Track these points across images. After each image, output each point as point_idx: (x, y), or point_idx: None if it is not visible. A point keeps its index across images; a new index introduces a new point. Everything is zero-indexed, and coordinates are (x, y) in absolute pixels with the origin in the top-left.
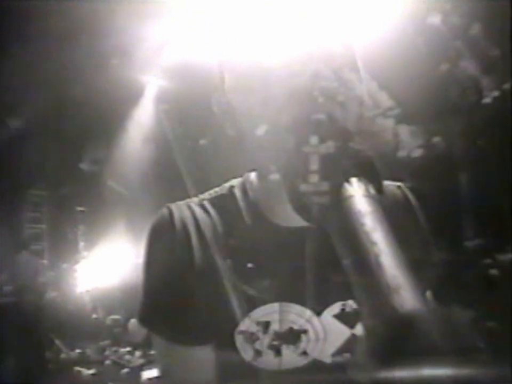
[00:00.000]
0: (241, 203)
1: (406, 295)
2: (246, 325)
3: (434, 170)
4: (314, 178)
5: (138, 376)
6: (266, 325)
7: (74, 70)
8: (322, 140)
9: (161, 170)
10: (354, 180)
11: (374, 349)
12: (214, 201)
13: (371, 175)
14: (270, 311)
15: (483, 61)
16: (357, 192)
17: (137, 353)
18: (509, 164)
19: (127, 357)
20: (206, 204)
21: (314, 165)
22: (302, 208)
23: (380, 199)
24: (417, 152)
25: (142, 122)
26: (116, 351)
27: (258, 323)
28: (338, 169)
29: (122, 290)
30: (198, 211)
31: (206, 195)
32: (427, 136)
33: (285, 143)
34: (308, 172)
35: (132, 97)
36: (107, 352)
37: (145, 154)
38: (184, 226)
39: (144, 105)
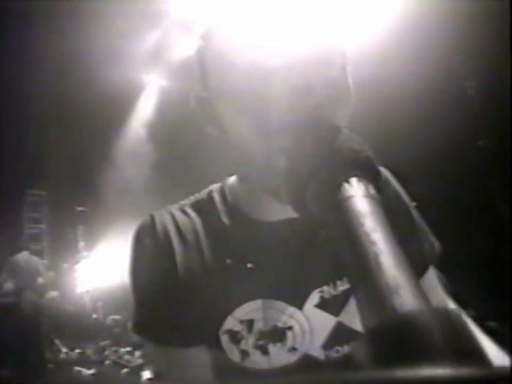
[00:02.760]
0: (219, 205)
1: (405, 295)
2: (229, 323)
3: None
4: (314, 179)
5: (138, 376)
6: (250, 324)
7: (75, 70)
8: (322, 141)
9: (162, 169)
10: (354, 180)
11: (373, 349)
12: (194, 205)
13: (371, 175)
14: (253, 309)
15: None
16: (357, 192)
17: (137, 353)
18: None
19: (127, 357)
20: (186, 208)
21: (314, 166)
22: (302, 208)
23: (379, 197)
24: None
25: (142, 121)
26: (116, 351)
27: (241, 322)
28: (338, 169)
29: (122, 290)
30: (179, 215)
31: (186, 200)
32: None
33: (285, 146)
34: (308, 172)
35: (133, 97)
36: (107, 352)
37: (146, 153)
38: (165, 229)
39: (144, 104)
